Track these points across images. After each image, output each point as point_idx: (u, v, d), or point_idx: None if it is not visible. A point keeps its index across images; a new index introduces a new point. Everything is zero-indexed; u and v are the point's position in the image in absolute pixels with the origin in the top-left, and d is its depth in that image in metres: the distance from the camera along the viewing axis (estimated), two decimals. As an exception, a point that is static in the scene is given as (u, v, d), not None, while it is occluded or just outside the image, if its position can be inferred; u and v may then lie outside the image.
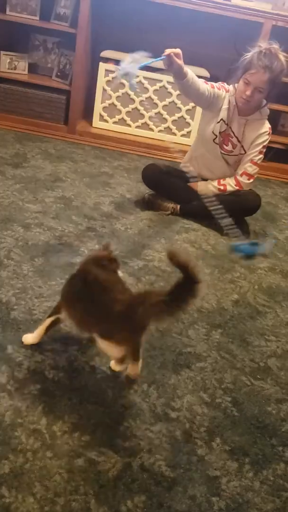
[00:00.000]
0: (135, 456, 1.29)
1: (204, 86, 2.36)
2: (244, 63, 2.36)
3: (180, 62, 2.15)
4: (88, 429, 1.33)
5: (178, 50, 2.13)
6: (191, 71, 2.25)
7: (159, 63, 2.17)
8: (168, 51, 2.10)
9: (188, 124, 3.64)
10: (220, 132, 2.52)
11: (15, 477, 1.18)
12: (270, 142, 2.61)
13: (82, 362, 1.56)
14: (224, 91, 2.46)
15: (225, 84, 2.49)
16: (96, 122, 3.68)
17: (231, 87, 2.47)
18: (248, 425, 1.44)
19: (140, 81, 3.54)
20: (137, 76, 2.05)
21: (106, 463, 1.26)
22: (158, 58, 2.11)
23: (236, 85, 2.45)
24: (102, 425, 1.35)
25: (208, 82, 2.41)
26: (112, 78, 3.50)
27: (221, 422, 1.43)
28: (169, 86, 3.52)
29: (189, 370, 1.61)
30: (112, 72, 3.51)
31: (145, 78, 3.53)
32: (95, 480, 1.21)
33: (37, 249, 2.12)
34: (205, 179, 2.69)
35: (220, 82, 2.48)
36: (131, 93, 3.58)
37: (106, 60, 3.50)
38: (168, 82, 3.50)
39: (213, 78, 3.01)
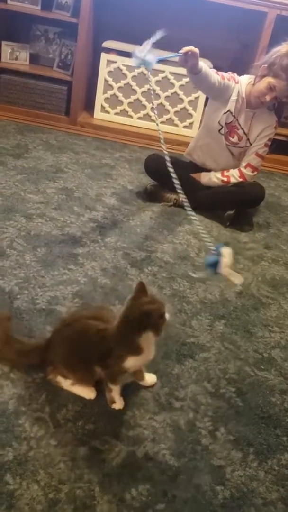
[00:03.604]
0: (139, 445, 1.28)
1: (215, 78, 2.31)
2: (274, 66, 2.26)
3: (196, 61, 2.10)
4: (91, 418, 1.33)
5: (196, 50, 2.05)
6: (205, 65, 2.20)
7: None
8: (185, 49, 2.03)
9: (191, 115, 3.62)
10: (226, 123, 2.49)
11: (19, 464, 1.18)
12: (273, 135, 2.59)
13: (85, 351, 1.55)
14: (234, 82, 2.41)
15: (235, 74, 2.45)
16: (97, 113, 3.66)
17: (241, 78, 2.43)
18: (252, 415, 1.43)
19: (142, 72, 3.51)
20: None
21: (110, 451, 1.25)
22: (175, 54, 2.05)
23: (253, 78, 2.40)
24: (106, 414, 1.35)
25: (219, 73, 2.36)
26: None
27: (225, 412, 1.43)
28: (171, 77, 3.49)
29: (193, 360, 1.60)
30: (114, 62, 3.49)
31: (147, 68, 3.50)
32: (99, 468, 1.21)
33: (40, 240, 2.11)
34: (208, 170, 2.67)
35: (229, 72, 2.43)
36: (133, 84, 3.55)
37: (108, 50, 3.47)
38: (170, 72, 3.47)
39: (216, 69, 2.99)
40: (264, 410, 1.46)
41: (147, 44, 1.91)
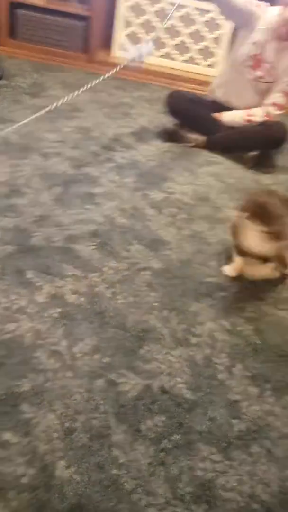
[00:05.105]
0: (155, 378, 1.28)
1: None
2: None
3: None
4: (108, 352, 1.33)
5: None
6: None
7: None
8: None
9: (214, 54, 3.45)
10: (252, 55, 2.37)
11: (36, 394, 1.19)
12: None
13: (103, 288, 1.54)
14: (262, 10, 2.28)
15: (265, 3, 2.31)
16: (116, 51, 3.51)
17: (270, 9, 2.29)
18: (270, 353, 1.42)
19: (163, 7, 3.33)
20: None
21: (126, 384, 1.25)
22: None
23: (282, 8, 2.27)
24: (123, 348, 1.34)
25: None
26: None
27: (242, 349, 1.41)
28: (194, 13, 3.30)
29: (211, 299, 1.58)
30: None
31: (168, 3, 3.31)
32: (115, 400, 1.21)
33: (56, 178, 2.07)
34: (231, 109, 2.56)
35: (261, 2, 2.31)
36: (154, 20, 3.38)
37: (128, -18, 3.29)
38: (193, 8, 3.29)
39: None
40: (283, 348, 1.44)
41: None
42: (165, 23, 2.06)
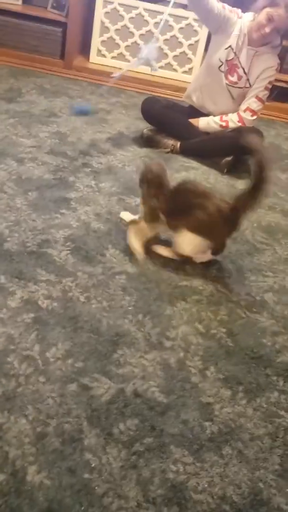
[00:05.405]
0: (129, 382, 1.28)
1: (215, 3, 2.27)
2: None
3: None
4: (81, 356, 1.32)
5: None
6: None
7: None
8: None
9: (190, 60, 3.48)
10: (226, 60, 2.41)
11: (7, 400, 1.18)
12: (274, 80, 2.51)
13: (77, 292, 1.53)
14: (236, 16, 2.34)
15: (239, 10, 2.37)
16: (93, 57, 3.52)
17: (244, 15, 2.36)
18: (242, 356, 1.43)
19: (140, 13, 3.36)
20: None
21: (99, 388, 1.25)
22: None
23: (254, 14, 2.33)
24: (96, 353, 1.34)
25: (221, 3, 2.31)
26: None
27: (215, 352, 1.42)
28: (170, 19, 3.33)
29: (185, 303, 1.59)
30: (111, 2, 3.33)
31: (145, 10, 3.35)
32: (87, 404, 1.21)
33: (31, 183, 2.06)
34: (207, 115, 2.58)
35: (235, 8, 2.37)
36: (131, 26, 3.41)
37: (105, -11, 3.30)
38: (169, 15, 3.31)
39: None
40: (255, 350, 1.45)
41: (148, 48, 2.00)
42: (162, 26, 2.12)
